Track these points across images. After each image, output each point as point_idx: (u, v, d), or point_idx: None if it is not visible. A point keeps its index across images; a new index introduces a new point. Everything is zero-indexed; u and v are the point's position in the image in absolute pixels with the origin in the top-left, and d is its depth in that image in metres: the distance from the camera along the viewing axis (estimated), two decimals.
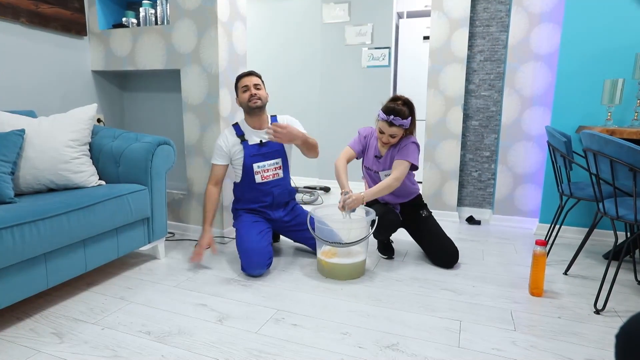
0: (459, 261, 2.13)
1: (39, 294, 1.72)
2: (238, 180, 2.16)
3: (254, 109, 2.06)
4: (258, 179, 2.09)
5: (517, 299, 1.74)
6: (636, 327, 0.64)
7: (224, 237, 2.48)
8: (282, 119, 2.19)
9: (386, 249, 2.22)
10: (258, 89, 2.07)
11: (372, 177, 2.20)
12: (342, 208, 1.96)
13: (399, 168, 2.01)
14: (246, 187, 2.12)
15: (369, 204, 2.22)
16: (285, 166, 2.17)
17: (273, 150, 2.12)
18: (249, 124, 2.13)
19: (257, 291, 1.79)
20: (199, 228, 2.52)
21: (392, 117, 1.93)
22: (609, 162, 1.56)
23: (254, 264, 1.90)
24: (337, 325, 1.51)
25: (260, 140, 2.10)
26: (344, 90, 4.22)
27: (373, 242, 2.38)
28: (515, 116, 2.79)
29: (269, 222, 2.16)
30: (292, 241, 2.39)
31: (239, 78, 2.10)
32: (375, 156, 2.14)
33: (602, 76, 2.40)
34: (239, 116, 2.58)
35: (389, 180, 1.99)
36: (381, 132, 2.00)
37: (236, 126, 2.14)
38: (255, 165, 2.08)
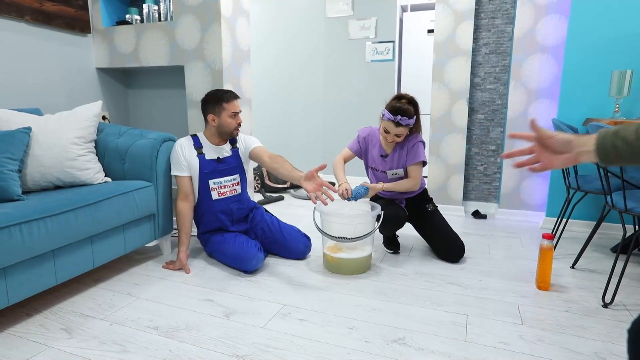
0: (465, 255, 2.13)
1: (47, 290, 1.74)
2: (194, 202, 2.06)
3: (232, 136, 2.04)
4: (214, 195, 2.02)
5: (524, 293, 1.73)
6: None
7: None
8: (242, 138, 2.12)
9: (392, 244, 2.22)
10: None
11: (377, 177, 2.19)
12: (343, 195, 1.98)
13: (415, 173, 2.08)
14: (203, 207, 2.04)
15: (375, 199, 2.21)
16: (243, 182, 2.12)
17: (231, 166, 2.06)
18: (210, 140, 2.03)
19: (263, 286, 1.80)
20: None
21: (399, 117, 1.91)
22: None
23: (248, 259, 1.88)
24: (343, 320, 1.51)
25: (218, 157, 2.03)
26: (347, 85, 4.21)
27: (379, 236, 2.37)
28: (521, 109, 2.76)
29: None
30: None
31: (229, 99, 1.96)
32: (381, 155, 2.13)
33: (609, 67, 2.36)
34: (243, 113, 2.58)
35: (409, 184, 2.07)
36: (386, 131, 1.98)
37: (195, 137, 2.04)
38: (211, 182, 2.00)
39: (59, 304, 1.64)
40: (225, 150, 2.06)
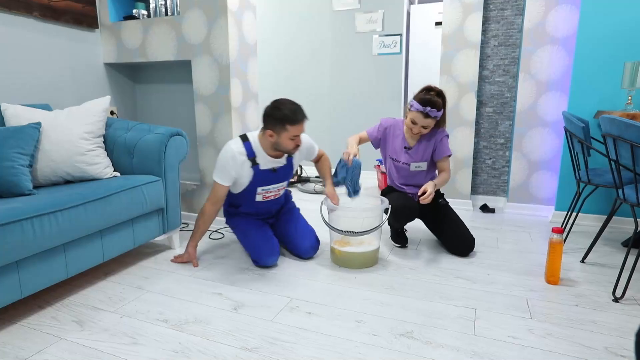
0: (473, 249, 2.11)
1: (59, 283, 1.76)
2: (235, 191, 1.99)
3: (289, 154, 1.94)
4: (259, 198, 1.98)
5: (533, 287, 1.72)
6: None
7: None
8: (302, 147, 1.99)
9: (400, 238, 2.21)
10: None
11: (398, 169, 2.17)
12: (345, 154, 1.95)
13: (448, 166, 2.12)
14: (244, 201, 2.00)
15: (387, 191, 2.20)
16: (287, 184, 2.08)
17: (283, 174, 1.98)
18: (266, 151, 1.88)
19: (271, 280, 1.81)
20: None
21: (428, 108, 1.91)
22: (630, 147, 1.51)
23: (266, 255, 1.90)
24: (351, 314, 1.51)
25: (274, 168, 1.93)
26: (354, 79, 4.18)
27: (386, 230, 2.37)
28: (530, 102, 2.73)
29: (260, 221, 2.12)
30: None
31: (295, 121, 1.75)
32: (405, 147, 2.12)
33: (622, 59, 2.32)
34: (250, 107, 2.58)
35: (446, 176, 2.10)
36: (413, 122, 1.98)
37: (247, 145, 1.87)
38: (259, 188, 1.95)
39: (71, 296, 1.66)
40: (281, 161, 1.96)
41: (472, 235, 2.07)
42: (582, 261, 1.98)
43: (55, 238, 1.47)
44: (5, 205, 1.41)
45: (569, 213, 2.34)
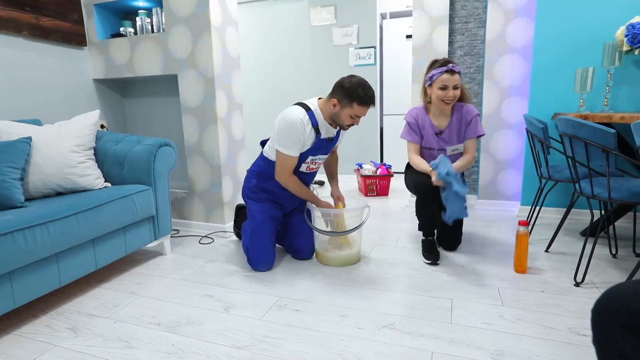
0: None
1: (53, 291, 1.70)
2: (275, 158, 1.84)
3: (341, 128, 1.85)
4: (303, 168, 1.86)
5: (504, 277, 1.75)
6: (605, 302, 0.68)
7: (226, 231, 2.46)
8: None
9: (431, 253, 1.93)
10: None
11: (434, 157, 1.93)
12: (439, 182, 1.77)
13: (474, 147, 1.94)
14: None
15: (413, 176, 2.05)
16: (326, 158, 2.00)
17: (331, 146, 1.90)
18: (327, 120, 1.79)
19: (259, 280, 1.78)
20: (202, 224, 2.51)
21: (450, 65, 1.77)
22: (584, 144, 1.56)
23: (262, 264, 1.87)
24: (336, 309, 1.51)
25: (329, 137, 1.85)
26: None
27: (367, 229, 2.37)
28: (495, 107, 2.79)
29: (278, 216, 1.97)
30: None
31: (363, 103, 1.69)
32: (436, 133, 1.95)
33: (574, 65, 2.40)
34: (235, 116, 2.56)
35: (468, 159, 1.93)
36: (443, 88, 1.80)
37: (310, 114, 1.75)
38: (310, 157, 1.83)
39: (64, 304, 1.61)
40: (333, 131, 1.87)
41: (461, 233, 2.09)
42: (547, 251, 2.03)
43: (47, 248, 1.42)
44: None
45: (533, 207, 2.40)
